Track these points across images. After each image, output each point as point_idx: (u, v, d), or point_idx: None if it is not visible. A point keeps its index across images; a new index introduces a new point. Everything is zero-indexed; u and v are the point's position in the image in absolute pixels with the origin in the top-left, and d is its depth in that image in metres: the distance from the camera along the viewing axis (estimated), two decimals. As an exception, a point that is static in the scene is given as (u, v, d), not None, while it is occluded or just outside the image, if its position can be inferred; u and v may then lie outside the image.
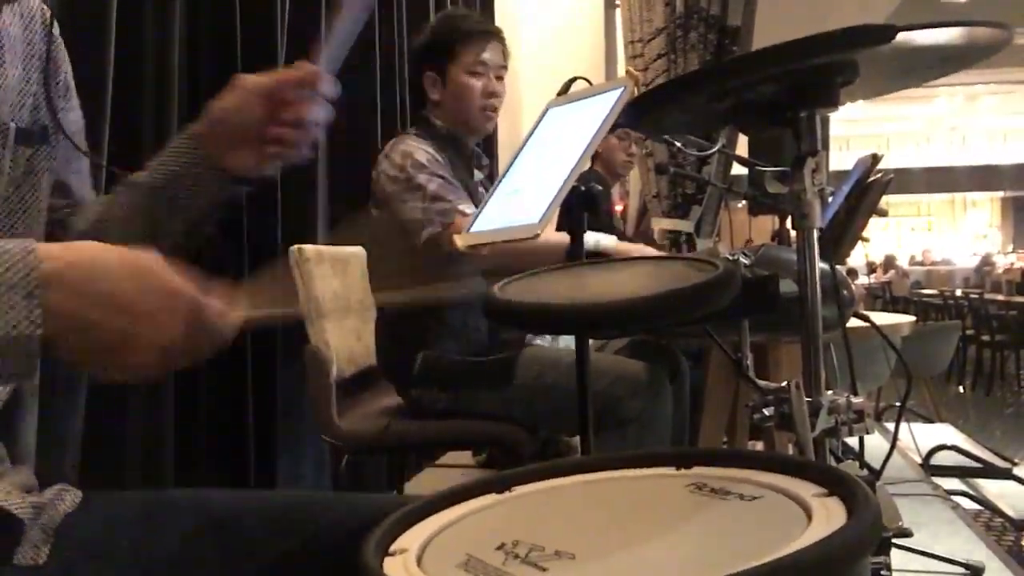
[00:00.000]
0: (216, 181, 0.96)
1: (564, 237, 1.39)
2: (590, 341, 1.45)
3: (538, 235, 1.10)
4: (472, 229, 1.26)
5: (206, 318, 0.66)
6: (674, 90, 1.12)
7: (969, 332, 8.40)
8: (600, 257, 2.21)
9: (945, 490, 3.08)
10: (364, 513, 0.78)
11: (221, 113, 0.94)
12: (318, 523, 0.80)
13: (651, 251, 2.11)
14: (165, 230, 0.97)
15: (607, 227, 2.45)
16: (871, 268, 15.41)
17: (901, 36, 0.85)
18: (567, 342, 2.12)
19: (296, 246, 2.04)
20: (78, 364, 0.63)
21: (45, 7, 0.91)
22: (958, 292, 10.64)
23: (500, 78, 2.09)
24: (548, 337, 2.16)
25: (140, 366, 0.63)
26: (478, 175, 2.13)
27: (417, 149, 1.96)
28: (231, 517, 0.80)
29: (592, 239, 1.89)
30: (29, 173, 0.87)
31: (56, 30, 0.92)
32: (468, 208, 1.86)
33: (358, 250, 2.36)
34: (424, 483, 2.72)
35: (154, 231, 0.95)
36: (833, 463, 1.07)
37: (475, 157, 2.13)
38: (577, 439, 1.47)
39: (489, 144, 3.61)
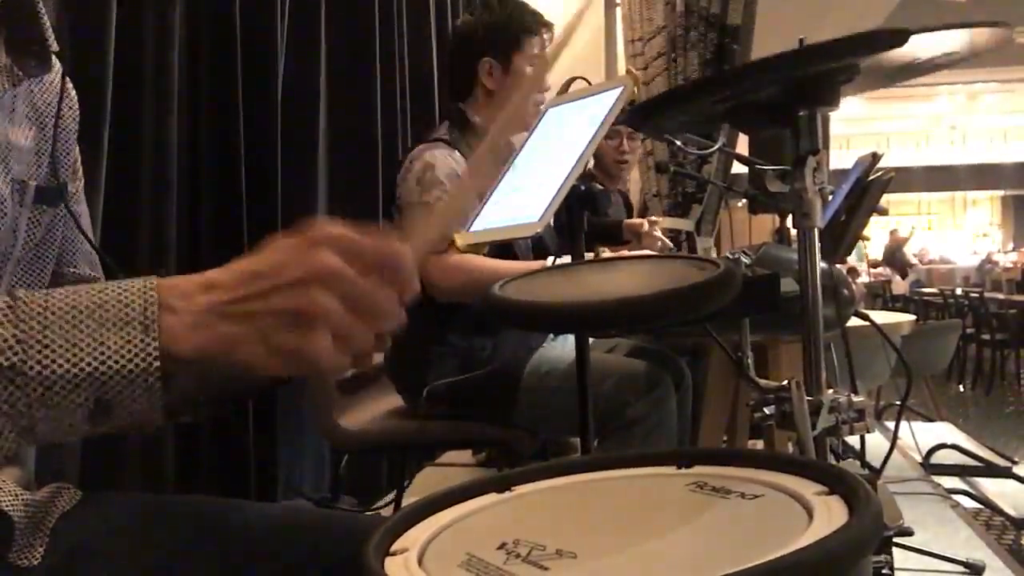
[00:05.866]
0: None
1: (533, 265, 1.36)
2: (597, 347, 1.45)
3: (538, 232, 1.10)
4: (472, 228, 1.26)
5: (374, 258, 0.54)
6: (677, 99, 1.12)
7: (969, 331, 8.38)
8: (612, 231, 2.19)
9: (945, 489, 3.08)
10: (363, 528, 0.77)
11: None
12: (317, 533, 0.80)
13: (658, 241, 2.12)
14: None
15: (610, 230, 2.43)
16: (876, 264, 15.41)
17: (909, 42, 0.85)
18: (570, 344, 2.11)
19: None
20: (255, 370, 0.54)
21: (59, 64, 0.88)
22: (958, 291, 10.61)
23: None
24: (550, 337, 2.16)
25: (311, 349, 0.52)
26: None
27: (441, 162, 1.83)
28: (230, 525, 0.79)
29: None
30: (47, 235, 0.84)
31: (69, 86, 0.89)
32: None
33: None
34: (424, 483, 2.72)
35: None
36: (834, 462, 1.07)
37: None
38: (578, 439, 1.47)
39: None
